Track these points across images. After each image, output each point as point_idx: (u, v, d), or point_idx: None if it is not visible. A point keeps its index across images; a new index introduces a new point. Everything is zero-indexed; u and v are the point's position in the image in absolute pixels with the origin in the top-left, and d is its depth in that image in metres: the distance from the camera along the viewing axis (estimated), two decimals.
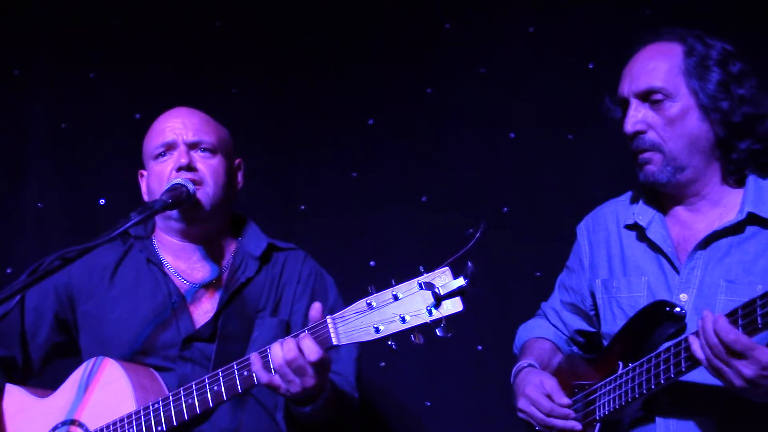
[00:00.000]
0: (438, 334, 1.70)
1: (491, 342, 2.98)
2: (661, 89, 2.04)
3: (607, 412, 2.00)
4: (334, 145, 3.14)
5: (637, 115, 2.06)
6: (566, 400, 2.06)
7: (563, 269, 2.37)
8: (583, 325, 2.28)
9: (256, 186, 3.11)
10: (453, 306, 1.70)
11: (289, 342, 1.83)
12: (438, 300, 1.69)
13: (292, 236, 3.10)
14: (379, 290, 1.76)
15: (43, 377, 2.37)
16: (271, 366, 1.84)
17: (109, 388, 2.05)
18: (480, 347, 2.99)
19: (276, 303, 2.21)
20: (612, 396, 1.99)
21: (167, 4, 3.19)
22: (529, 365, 2.21)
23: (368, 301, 1.76)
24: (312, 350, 1.81)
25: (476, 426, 2.94)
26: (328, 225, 3.10)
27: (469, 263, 1.68)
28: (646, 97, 2.06)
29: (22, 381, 2.25)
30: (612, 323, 2.12)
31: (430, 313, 1.70)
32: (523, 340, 2.37)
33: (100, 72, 3.22)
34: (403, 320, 1.71)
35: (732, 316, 1.76)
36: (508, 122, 3.08)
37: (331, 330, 1.80)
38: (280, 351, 1.82)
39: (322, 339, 1.82)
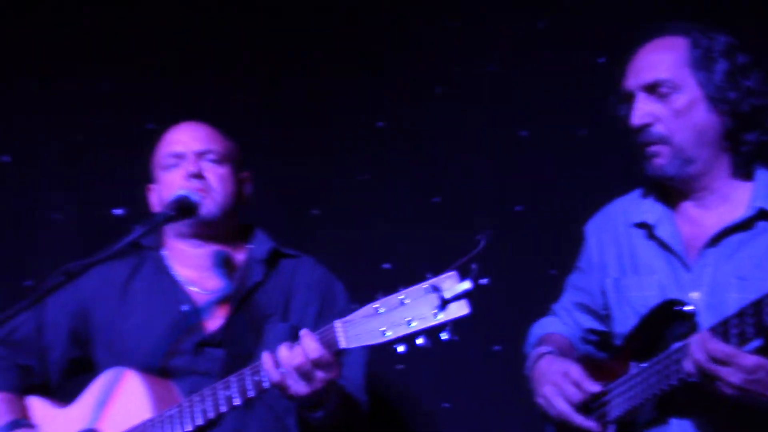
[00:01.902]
0: (443, 337, 1.69)
1: (508, 342, 2.96)
2: (667, 81, 2.02)
3: (620, 413, 1.98)
4: (344, 149, 3.14)
5: (644, 108, 2.04)
6: (597, 387, 2.00)
7: (573, 269, 2.34)
8: (595, 325, 2.26)
9: (268, 192, 3.12)
10: (459, 309, 1.70)
11: (295, 347, 1.85)
12: (444, 303, 1.69)
13: (305, 241, 3.10)
14: (386, 295, 1.76)
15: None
16: (280, 367, 1.85)
17: (128, 397, 2.08)
18: (497, 347, 2.98)
19: (285, 309, 2.23)
20: (624, 397, 1.96)
21: (177, 16, 3.21)
22: (551, 351, 2.16)
23: (376, 306, 1.76)
24: (312, 347, 1.82)
25: (494, 427, 2.93)
26: (341, 229, 3.10)
27: (474, 266, 1.67)
28: (653, 89, 2.03)
29: (42, 393, 2.28)
30: (623, 323, 2.10)
31: (436, 316, 1.69)
32: (537, 336, 2.34)
33: (112, 84, 3.25)
34: (409, 324, 1.71)
35: (722, 326, 1.75)
36: (519, 120, 3.06)
37: (339, 333, 1.81)
38: (287, 352, 1.84)
39: (329, 342, 1.83)
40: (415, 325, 1.71)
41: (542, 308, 2.52)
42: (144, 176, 2.44)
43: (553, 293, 2.53)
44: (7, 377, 2.22)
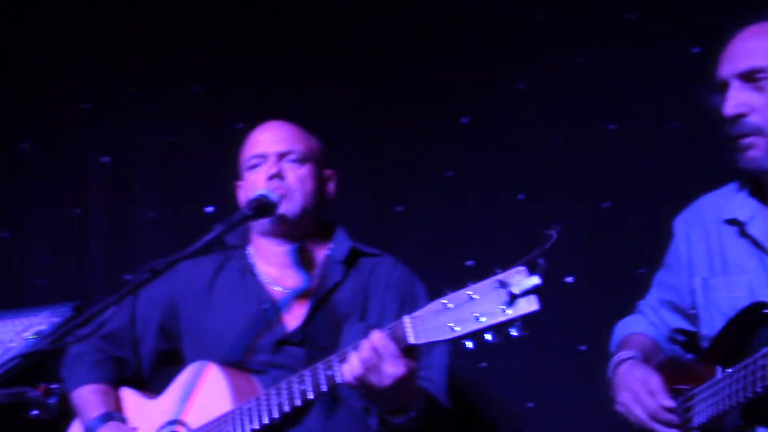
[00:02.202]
0: (513, 333, 1.67)
1: (594, 342, 2.87)
2: (764, 69, 1.92)
3: (704, 420, 1.89)
4: (428, 146, 3.12)
5: (738, 97, 1.94)
6: (670, 403, 1.96)
7: (661, 266, 2.26)
8: (683, 324, 2.17)
9: (352, 190, 3.15)
10: (528, 305, 1.66)
11: (363, 342, 1.86)
12: (513, 299, 1.66)
13: (389, 239, 3.14)
14: (454, 290, 1.75)
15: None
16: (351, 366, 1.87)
17: (210, 390, 2.13)
18: (583, 347, 2.91)
19: (364, 308, 2.24)
20: (709, 403, 1.88)
21: (265, 18, 3.28)
22: (633, 357, 2.10)
23: (444, 301, 1.75)
24: (378, 339, 1.82)
25: (580, 428, 2.86)
26: (425, 226, 3.10)
27: (542, 261, 1.64)
28: (748, 77, 1.94)
29: (135, 385, 2.37)
30: (711, 325, 2.01)
31: (505, 312, 1.67)
32: (621, 336, 2.28)
33: (202, 86, 3.35)
34: (478, 319, 1.69)
35: None
36: (607, 114, 2.97)
37: (408, 329, 1.81)
38: (354, 355, 1.86)
39: (399, 337, 1.83)
40: (484, 321, 1.69)
41: (630, 308, 2.44)
42: (233, 175, 2.51)
43: (641, 292, 2.45)
44: (103, 369, 2.32)
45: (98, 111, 3.46)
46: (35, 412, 2.58)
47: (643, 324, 2.26)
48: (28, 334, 2.89)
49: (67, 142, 3.48)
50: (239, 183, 2.41)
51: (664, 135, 2.91)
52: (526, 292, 1.65)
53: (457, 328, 1.72)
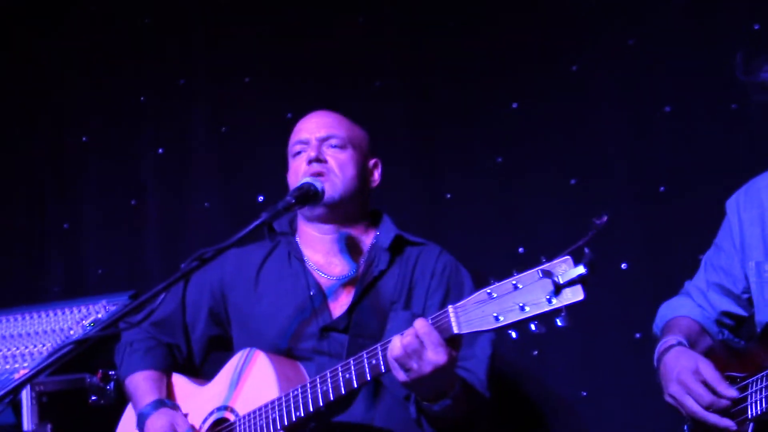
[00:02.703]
0: (558, 323, 1.64)
1: (650, 330, 2.81)
2: None
3: (760, 412, 1.83)
4: (478, 132, 3.09)
5: None
6: (733, 393, 1.88)
7: (711, 246, 2.19)
8: (732, 307, 2.09)
9: (401, 177, 3.15)
10: (573, 294, 1.63)
11: (408, 330, 1.85)
12: (558, 289, 1.63)
13: (438, 226, 3.12)
14: (499, 280, 1.73)
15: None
16: (391, 355, 1.86)
17: (258, 377, 2.15)
18: (638, 335, 2.84)
19: (409, 296, 2.24)
20: (766, 394, 1.82)
21: (310, 6, 3.29)
22: (679, 343, 2.03)
23: (488, 291, 1.73)
24: (422, 326, 1.81)
25: (635, 417, 2.79)
26: (475, 213, 3.07)
27: (587, 251, 1.60)
28: None
29: (186, 371, 2.41)
30: (764, 311, 1.94)
31: (550, 302, 1.64)
32: (666, 319, 2.20)
33: (253, 76, 3.38)
34: (523, 309, 1.67)
35: None
36: (662, 96, 2.88)
37: (452, 318, 1.79)
38: (397, 339, 1.85)
39: (443, 327, 1.82)
40: (529, 311, 1.66)
41: None
42: (284, 164, 2.53)
43: None
44: (154, 356, 2.36)
45: (152, 103, 3.53)
46: (94, 397, 2.66)
47: (688, 306, 2.18)
48: (87, 322, 2.97)
49: (123, 135, 3.57)
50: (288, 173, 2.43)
51: (722, 116, 2.81)
52: (571, 282, 1.62)
53: (501, 318, 1.70)
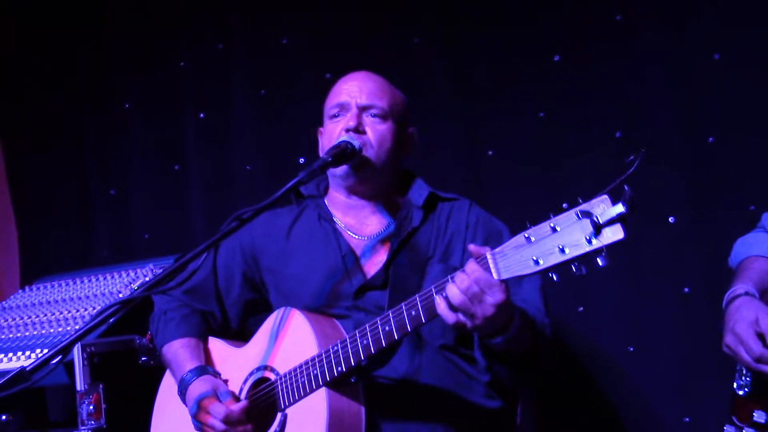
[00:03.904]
0: (599, 263, 1.60)
1: (700, 284, 2.75)
2: None
3: None
4: (519, 87, 3.03)
5: None
6: None
7: None
8: None
9: (443, 135, 3.11)
10: (613, 234, 1.59)
11: (460, 275, 1.81)
12: (597, 229, 1.59)
13: (481, 183, 3.08)
14: (536, 224, 1.69)
15: None
16: (453, 304, 1.83)
17: (295, 335, 2.15)
18: (687, 289, 2.78)
19: (445, 250, 2.21)
20: None
21: None
22: (746, 293, 1.96)
23: (526, 235, 1.69)
24: (474, 269, 1.78)
25: (683, 374, 2.74)
26: (518, 169, 3.02)
27: (627, 187, 1.56)
28: None
29: (223, 335, 2.41)
30: None
31: (590, 242, 1.60)
32: (740, 257, 2.12)
33: (290, 38, 3.37)
34: (563, 251, 1.63)
35: None
36: (712, 43, 2.78)
37: (491, 264, 1.77)
38: (455, 287, 1.81)
39: None
40: (569, 252, 1.62)
41: None
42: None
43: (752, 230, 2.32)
44: (189, 323, 2.36)
45: (192, 69, 3.55)
46: (144, 358, 2.70)
47: (765, 244, 2.10)
48: (135, 285, 3.02)
49: (164, 101, 3.59)
50: (320, 129, 2.39)
51: None
52: (610, 221, 1.58)
53: (541, 262, 1.66)
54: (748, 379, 1.96)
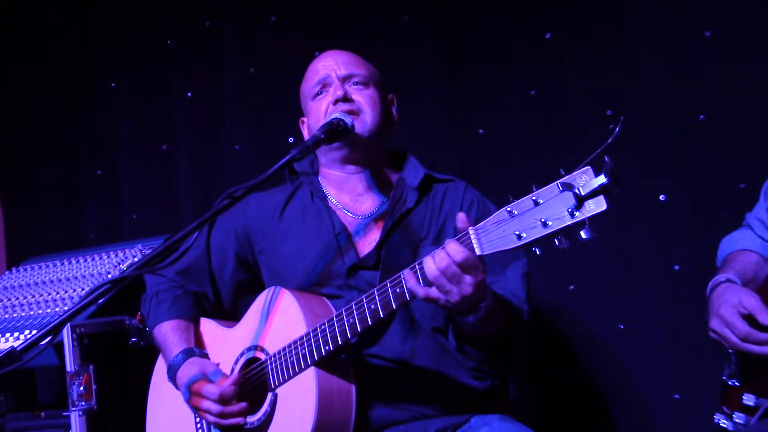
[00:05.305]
0: (583, 236, 1.58)
1: (690, 261, 2.74)
2: None
3: None
4: (510, 64, 3.00)
5: None
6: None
7: None
8: None
9: (433, 113, 3.09)
10: (596, 205, 1.57)
11: (439, 252, 1.80)
12: (579, 201, 1.57)
13: (470, 162, 3.06)
14: (518, 198, 1.67)
15: None
16: (427, 278, 1.82)
17: (285, 315, 2.14)
18: (677, 267, 2.76)
19: (438, 232, 2.20)
20: None
21: None
22: (728, 280, 2.01)
23: (509, 209, 1.67)
24: (457, 250, 1.77)
25: (673, 351, 2.73)
26: (509, 148, 2.99)
27: (607, 158, 1.54)
28: None
29: (216, 315, 2.40)
30: None
31: (572, 215, 1.58)
32: (725, 253, 2.17)
33: (279, 15, 3.34)
34: (545, 225, 1.61)
35: None
36: (701, 20, 2.75)
37: (474, 240, 1.75)
38: (433, 263, 1.80)
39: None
40: (552, 225, 1.60)
41: (729, 225, 2.30)
42: None
43: (741, 208, 2.30)
44: (181, 305, 2.34)
45: (179, 47, 3.51)
46: (134, 339, 2.69)
47: (749, 238, 2.13)
48: (124, 266, 3.00)
49: (152, 80, 3.55)
50: (302, 119, 2.37)
51: (763, 41, 2.68)
52: (593, 193, 1.56)
53: (523, 236, 1.64)
54: (736, 368, 1.96)
